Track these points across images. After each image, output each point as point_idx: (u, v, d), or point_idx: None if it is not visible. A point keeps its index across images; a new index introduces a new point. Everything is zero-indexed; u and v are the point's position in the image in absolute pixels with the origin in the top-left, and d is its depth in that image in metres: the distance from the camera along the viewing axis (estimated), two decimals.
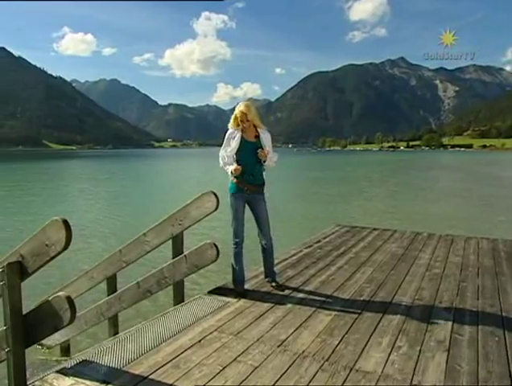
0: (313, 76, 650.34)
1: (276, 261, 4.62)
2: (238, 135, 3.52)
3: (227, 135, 3.58)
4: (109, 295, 4.34)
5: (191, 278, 7.11)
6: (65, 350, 4.79)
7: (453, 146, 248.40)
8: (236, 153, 3.52)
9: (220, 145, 3.67)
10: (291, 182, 31.05)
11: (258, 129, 3.60)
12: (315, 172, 44.37)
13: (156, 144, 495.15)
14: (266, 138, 3.60)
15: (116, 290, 4.32)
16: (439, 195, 21.62)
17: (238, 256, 3.64)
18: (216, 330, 2.91)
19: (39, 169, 51.11)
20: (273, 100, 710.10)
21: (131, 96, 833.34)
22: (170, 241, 3.89)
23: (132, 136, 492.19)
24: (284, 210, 16.20)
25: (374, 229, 6.57)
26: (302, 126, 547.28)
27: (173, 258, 3.80)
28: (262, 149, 3.54)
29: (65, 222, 2.23)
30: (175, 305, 3.68)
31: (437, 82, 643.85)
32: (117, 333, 4.31)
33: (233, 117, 3.59)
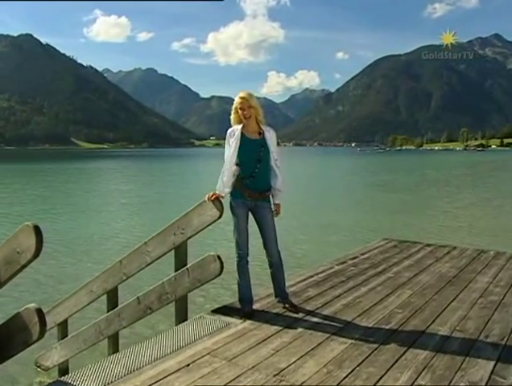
0: (382, 61, 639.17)
1: (300, 279, 4.71)
2: (238, 132, 3.59)
3: (227, 135, 3.65)
4: (108, 311, 4.60)
5: (206, 292, 7.35)
6: (63, 371, 5.09)
7: None
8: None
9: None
10: (349, 187, 30.78)
11: (262, 126, 3.66)
12: (381, 175, 43.64)
13: (197, 142, 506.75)
14: (271, 137, 3.65)
15: (117, 305, 4.57)
16: None
17: (243, 271, 3.73)
18: (209, 353, 3.02)
19: (74, 170, 55.30)
20: (333, 90, 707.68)
21: (169, 87, 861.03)
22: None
23: (170, 133, 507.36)
24: (335, 219, 16.17)
25: (428, 245, 6.45)
26: (368, 121, 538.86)
27: (175, 271, 3.98)
28: (266, 147, 3.60)
29: (36, 228, 2.42)
30: (177, 325, 3.85)
31: None
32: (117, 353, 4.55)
33: (233, 109, 3.64)
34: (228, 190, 3.61)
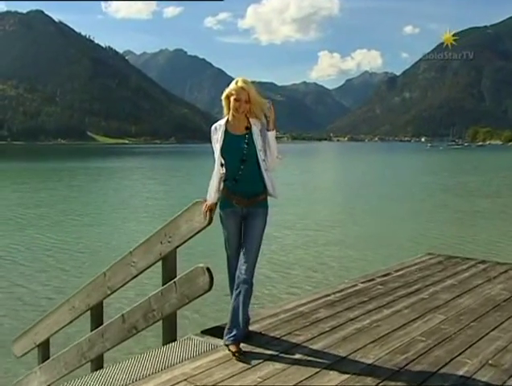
0: (462, 35, 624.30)
1: (313, 297, 4.81)
2: (222, 128, 3.61)
3: (211, 132, 3.67)
4: (92, 329, 4.82)
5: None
6: None
7: None
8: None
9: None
10: (409, 192, 30.51)
11: (251, 119, 3.61)
12: (452, 177, 42.98)
13: None
14: (257, 131, 3.59)
15: (102, 323, 4.79)
16: None
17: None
18: (186, 379, 3.15)
19: (96, 169, 58.20)
20: (398, 73, 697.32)
21: (201, 71, 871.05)
22: None
23: (201, 126, 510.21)
24: (388, 229, 16.15)
25: (481, 262, 6.38)
26: (441, 111, 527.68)
27: (163, 285, 4.14)
28: (252, 144, 3.57)
29: None
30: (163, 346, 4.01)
31: None
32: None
33: (224, 94, 3.63)
34: (218, 196, 3.71)
